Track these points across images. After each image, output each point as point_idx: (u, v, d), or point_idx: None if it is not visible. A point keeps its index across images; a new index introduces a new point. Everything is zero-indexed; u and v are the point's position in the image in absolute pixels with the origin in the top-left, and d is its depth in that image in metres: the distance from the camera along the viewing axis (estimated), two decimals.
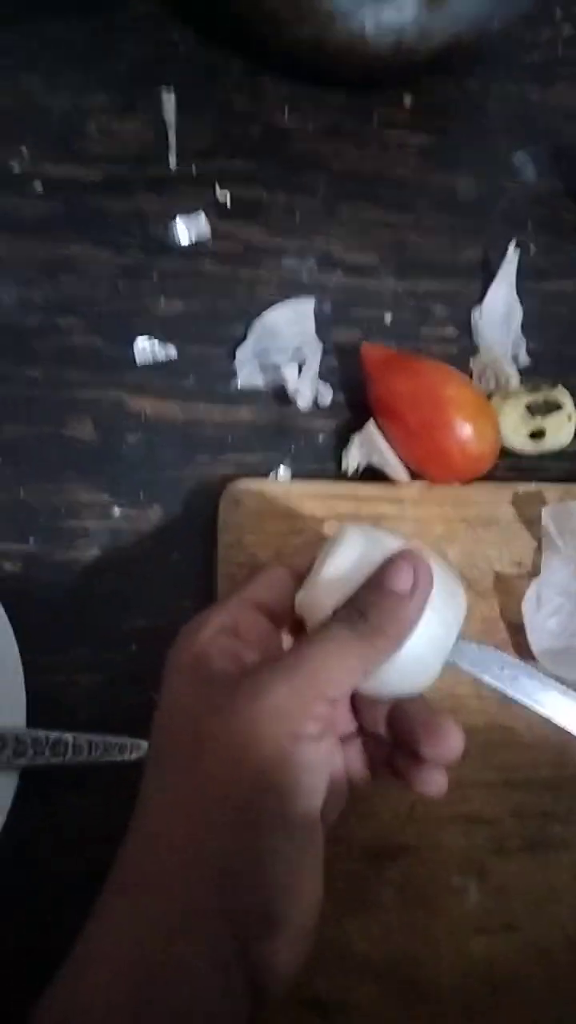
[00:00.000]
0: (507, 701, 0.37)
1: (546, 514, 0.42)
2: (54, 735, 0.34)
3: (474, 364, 0.48)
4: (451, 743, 0.29)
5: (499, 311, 0.49)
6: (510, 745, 0.38)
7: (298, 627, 0.31)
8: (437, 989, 0.33)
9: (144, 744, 0.35)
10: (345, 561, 0.29)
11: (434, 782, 0.30)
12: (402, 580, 0.28)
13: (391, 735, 0.31)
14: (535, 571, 0.42)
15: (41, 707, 0.36)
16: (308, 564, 0.31)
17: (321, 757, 0.26)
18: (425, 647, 0.29)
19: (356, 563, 0.29)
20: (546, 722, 0.38)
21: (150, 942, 0.24)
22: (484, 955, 0.33)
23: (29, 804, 0.36)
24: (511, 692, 0.37)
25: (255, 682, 0.26)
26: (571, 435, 0.46)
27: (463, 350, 0.48)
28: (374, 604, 0.28)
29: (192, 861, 0.25)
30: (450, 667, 0.31)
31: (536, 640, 0.40)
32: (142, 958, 0.24)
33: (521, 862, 0.35)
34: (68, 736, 0.35)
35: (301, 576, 0.31)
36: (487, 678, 0.38)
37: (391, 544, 0.30)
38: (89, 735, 0.35)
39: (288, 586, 0.31)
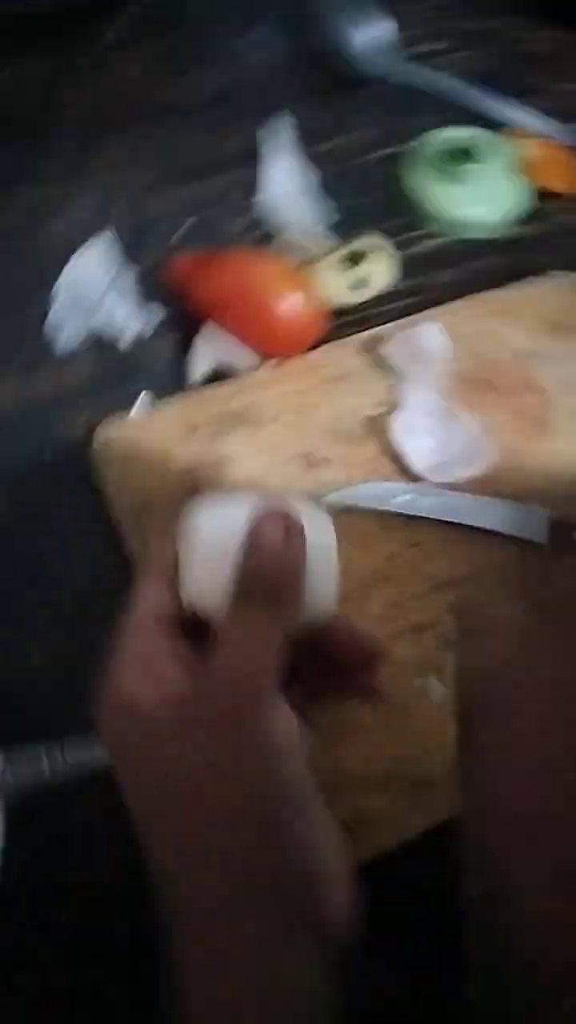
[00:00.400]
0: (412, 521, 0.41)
1: (388, 350, 0.45)
2: (28, 751, 0.33)
3: (278, 242, 0.49)
4: (374, 648, 0.29)
5: (284, 186, 0.50)
6: (427, 557, 0.41)
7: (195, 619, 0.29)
8: (431, 779, 0.36)
9: None
10: (207, 539, 0.28)
11: (369, 686, 0.30)
12: (271, 535, 0.27)
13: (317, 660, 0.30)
14: (396, 404, 0.45)
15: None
16: (173, 559, 0.29)
17: (287, 725, 0.26)
18: (316, 571, 0.28)
19: (220, 535, 0.28)
20: (447, 525, 0.42)
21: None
22: None
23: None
24: (411, 511, 0.40)
25: (195, 706, 0.26)
26: (390, 274, 0.48)
27: (264, 234, 0.50)
28: (257, 569, 0.27)
29: (233, 879, 0.25)
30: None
31: (416, 461, 0.43)
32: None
33: None
34: (40, 748, 0.34)
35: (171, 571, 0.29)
36: (388, 508, 0.42)
37: (243, 502, 0.28)
38: (61, 744, 0.33)
39: (168, 587, 0.29)
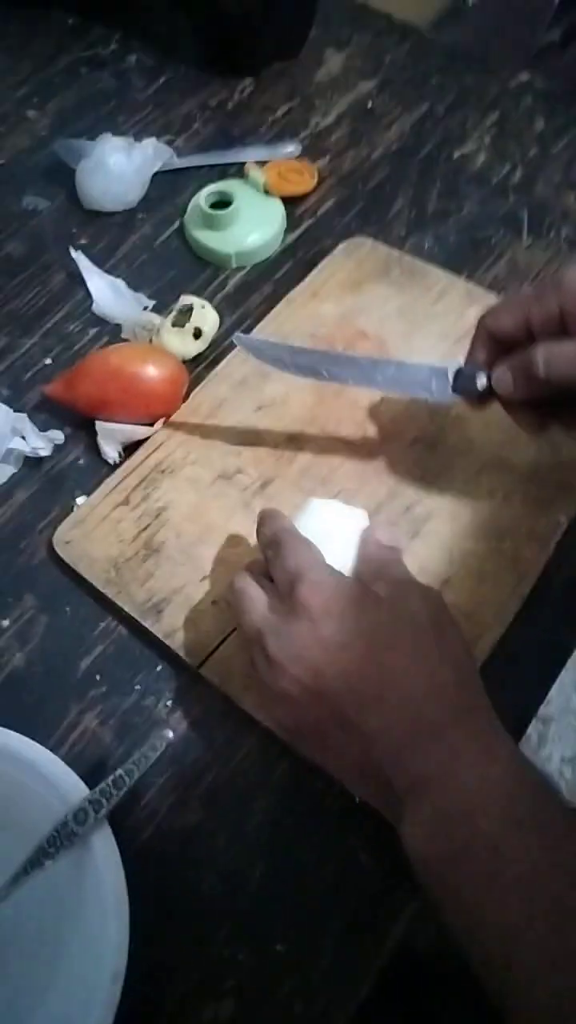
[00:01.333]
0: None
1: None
2: (109, 778, 0.38)
3: (125, 333, 0.58)
4: None
5: (105, 296, 0.60)
6: None
7: None
8: None
9: (167, 733, 0.40)
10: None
11: None
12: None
13: None
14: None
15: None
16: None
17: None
18: None
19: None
20: None
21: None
22: None
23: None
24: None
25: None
26: (214, 318, 0.57)
27: (111, 332, 0.59)
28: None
29: None
30: None
31: None
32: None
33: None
34: (118, 771, 0.39)
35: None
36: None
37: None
38: (127, 762, 0.39)
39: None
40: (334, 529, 0.42)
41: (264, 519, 0.43)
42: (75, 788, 0.39)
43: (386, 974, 0.40)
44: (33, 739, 0.41)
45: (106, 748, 0.45)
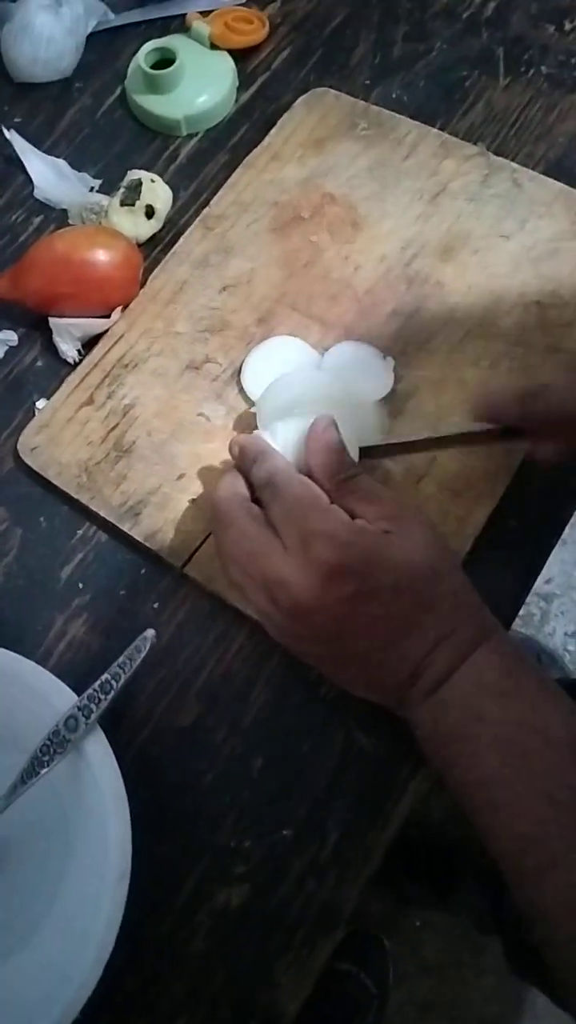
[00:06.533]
0: None
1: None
2: (96, 683, 0.37)
3: (72, 218, 0.52)
4: None
5: (46, 179, 0.53)
6: None
7: None
8: None
9: (150, 633, 0.38)
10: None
11: None
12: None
13: None
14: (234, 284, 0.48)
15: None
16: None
17: None
18: None
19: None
20: None
21: None
22: None
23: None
24: None
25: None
26: (167, 194, 0.51)
27: (57, 219, 0.52)
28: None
29: None
30: None
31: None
32: None
33: None
34: (104, 676, 0.37)
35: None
36: None
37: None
38: (112, 666, 0.37)
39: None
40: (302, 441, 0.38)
41: (254, 456, 0.38)
42: (64, 697, 0.37)
43: (400, 845, 0.39)
44: (20, 652, 0.39)
45: (96, 655, 0.42)
